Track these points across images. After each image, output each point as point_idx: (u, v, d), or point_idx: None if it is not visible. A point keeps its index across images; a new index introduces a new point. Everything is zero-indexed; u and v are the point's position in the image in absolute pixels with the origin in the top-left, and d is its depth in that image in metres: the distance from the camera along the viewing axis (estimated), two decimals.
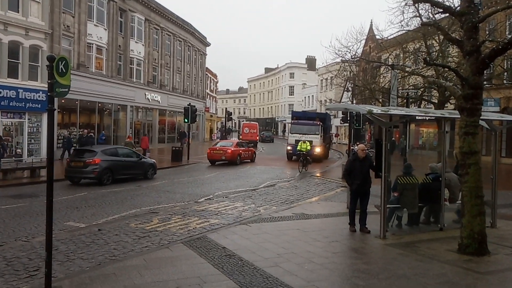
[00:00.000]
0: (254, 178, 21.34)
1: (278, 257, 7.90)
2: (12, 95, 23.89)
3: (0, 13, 23.37)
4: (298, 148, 26.51)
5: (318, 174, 23.96)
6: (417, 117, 16.14)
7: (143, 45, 38.81)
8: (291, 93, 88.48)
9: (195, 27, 53.32)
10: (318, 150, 31.00)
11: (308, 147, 26.40)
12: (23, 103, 24.59)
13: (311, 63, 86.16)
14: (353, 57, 27.00)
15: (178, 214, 12.18)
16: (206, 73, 63.65)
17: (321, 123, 33.65)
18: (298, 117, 35.94)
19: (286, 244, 8.87)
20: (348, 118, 27.27)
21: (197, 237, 9.44)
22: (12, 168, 18.56)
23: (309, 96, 77.80)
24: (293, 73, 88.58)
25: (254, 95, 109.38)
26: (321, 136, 32.44)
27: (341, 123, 44.27)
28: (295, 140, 30.42)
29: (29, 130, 25.11)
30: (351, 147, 26.96)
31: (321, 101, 61.81)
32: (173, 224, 10.85)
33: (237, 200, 14.93)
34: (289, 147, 32.08)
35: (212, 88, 72.93)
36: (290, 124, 35.65)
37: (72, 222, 11.12)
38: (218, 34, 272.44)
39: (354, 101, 35.27)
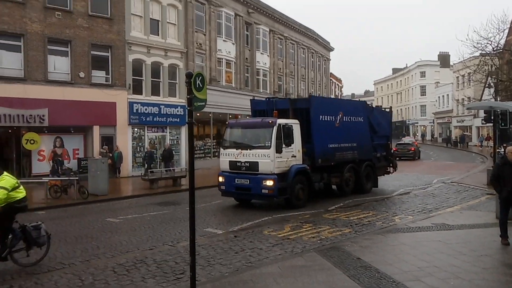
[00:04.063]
0: (386, 185, 20.39)
1: (418, 271, 7.34)
2: (156, 111, 26.53)
3: (143, 38, 26.13)
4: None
5: (458, 181, 21.97)
6: None
7: (268, 55, 39.98)
8: (423, 93, 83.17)
9: (318, 33, 53.34)
10: (269, 183, 13.85)
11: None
12: (165, 118, 27.13)
13: (444, 59, 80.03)
14: (494, 49, 24.43)
15: (309, 222, 12.12)
16: (330, 78, 63.22)
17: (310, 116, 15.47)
18: (259, 110, 16.87)
19: (426, 256, 8.20)
20: (492, 117, 24.54)
21: (329, 246, 9.27)
22: (157, 178, 20.44)
23: (443, 96, 72.25)
24: (424, 71, 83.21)
25: (382, 97, 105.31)
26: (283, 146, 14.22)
27: (482, 123, 40.09)
28: (229, 161, 14.81)
29: (170, 143, 27.49)
30: (497, 150, 24.19)
31: (458, 100, 56.95)
32: (305, 232, 10.80)
33: (369, 208, 14.38)
34: (220, 178, 15.22)
35: (337, 93, 72.15)
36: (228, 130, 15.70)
37: (210, 228, 11.76)
38: (342, 38, 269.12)
39: (498, 98, 31.71)
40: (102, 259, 8.91)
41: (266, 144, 13.99)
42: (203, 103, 6.88)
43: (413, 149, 37.87)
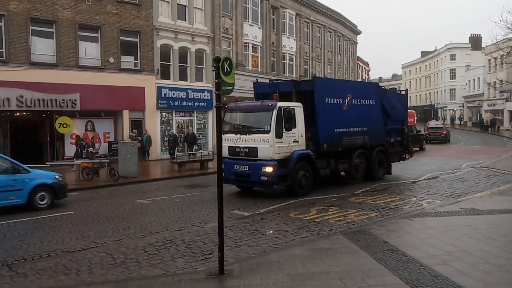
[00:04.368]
0: (413, 169, 20.16)
1: (446, 255, 7.30)
2: (183, 95, 26.85)
3: (171, 23, 26.34)
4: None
5: (488, 165, 21.52)
6: None
7: (294, 39, 39.67)
8: (453, 76, 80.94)
9: (345, 16, 52.48)
10: (269, 170, 13.24)
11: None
12: (192, 103, 27.44)
13: (476, 42, 77.49)
14: None
15: (335, 205, 12.14)
16: (358, 62, 62.25)
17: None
18: (262, 93, 16.14)
19: (455, 241, 8.13)
20: None
21: (356, 229, 9.28)
22: (185, 161, 20.80)
23: (474, 79, 70.19)
24: (454, 54, 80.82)
25: (410, 81, 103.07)
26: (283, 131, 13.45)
27: None
28: (228, 146, 13.94)
29: (197, 127, 27.83)
30: None
31: (489, 83, 55.28)
32: (331, 216, 10.83)
33: (396, 192, 14.29)
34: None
35: (364, 77, 71.07)
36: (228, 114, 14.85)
37: (237, 210, 11.97)
38: (369, 21, 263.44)
39: None
40: (133, 239, 9.21)
41: (266, 129, 13.23)
42: (231, 87, 6.99)
43: (444, 132, 38.10)
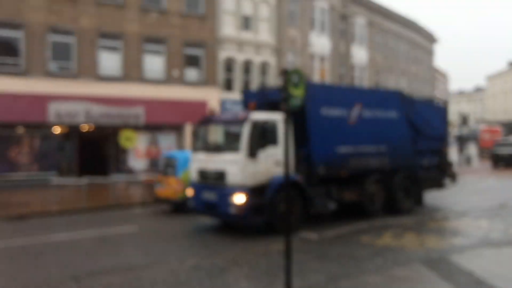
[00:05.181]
0: (500, 193, 17.84)
1: None
2: None
3: (235, 35, 26.00)
4: None
5: None
6: None
7: (365, 49, 38.00)
8: None
9: (421, 24, 49.76)
10: (238, 200, 10.39)
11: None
12: None
13: None
14: None
15: (411, 230, 10.92)
16: (434, 72, 58.74)
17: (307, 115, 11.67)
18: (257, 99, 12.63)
19: None
20: None
21: (436, 257, 8.36)
22: None
23: None
24: None
25: (495, 94, 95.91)
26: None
27: None
28: (197, 168, 11.66)
29: None
30: None
31: None
32: (407, 241, 9.72)
33: (481, 218, 12.46)
34: (188, 191, 12.29)
35: (441, 89, 66.96)
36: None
37: (303, 232, 10.82)
38: (447, 29, 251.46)
39: None
40: (196, 258, 8.76)
41: (235, 147, 10.46)
42: (299, 100, 6.80)
43: None
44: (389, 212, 13.06)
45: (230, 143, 10.87)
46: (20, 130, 20.76)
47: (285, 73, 6.62)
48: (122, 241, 10.57)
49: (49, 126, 20.93)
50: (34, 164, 20.78)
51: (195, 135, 12.03)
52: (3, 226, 12.83)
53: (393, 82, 43.44)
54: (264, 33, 27.63)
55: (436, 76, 62.08)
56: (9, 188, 19.05)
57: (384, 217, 12.51)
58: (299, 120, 10.90)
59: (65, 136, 21.88)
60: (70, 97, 20.61)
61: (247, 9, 26.78)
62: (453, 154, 26.30)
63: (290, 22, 29.38)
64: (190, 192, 11.77)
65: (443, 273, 7.34)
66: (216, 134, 11.73)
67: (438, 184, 15.42)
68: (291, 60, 29.39)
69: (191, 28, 24.17)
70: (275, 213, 10.42)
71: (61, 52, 21.14)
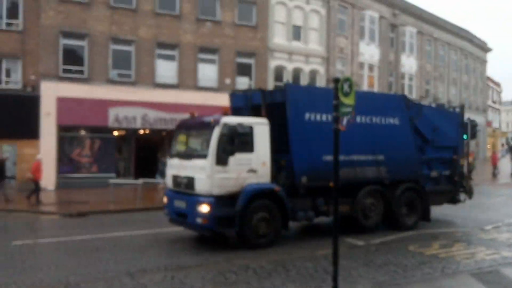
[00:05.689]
0: None
1: None
2: None
3: (285, 44, 26.53)
4: None
5: None
6: None
7: (415, 58, 37.52)
8: None
9: (473, 34, 48.45)
10: (203, 209, 9.70)
11: None
12: None
13: None
14: None
15: (461, 241, 10.83)
16: (487, 82, 56.78)
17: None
18: (237, 107, 12.18)
19: None
20: None
21: (487, 270, 8.19)
22: None
23: None
24: None
25: None
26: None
27: None
28: (171, 175, 11.07)
29: None
30: None
31: None
32: (456, 252, 9.64)
33: None
34: (164, 199, 11.48)
35: (495, 99, 64.52)
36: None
37: (350, 238, 11.03)
38: (502, 37, 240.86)
39: None
40: (244, 259, 8.98)
41: (204, 153, 9.83)
42: (350, 109, 6.76)
43: None
44: (390, 228, 12.03)
45: (201, 149, 10.36)
46: (82, 133, 22.17)
47: (336, 81, 6.49)
48: (173, 241, 10.92)
49: (109, 130, 22.22)
50: (94, 165, 22.08)
51: (174, 139, 11.57)
52: (65, 222, 13.75)
53: (443, 91, 42.55)
54: (314, 42, 28.03)
55: (489, 85, 59.93)
56: (71, 187, 20.40)
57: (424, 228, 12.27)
58: (282, 125, 10.47)
59: (122, 139, 23.15)
60: (128, 103, 21.83)
61: (298, 19, 27.28)
62: (506, 164, 25.49)
63: (339, 31, 29.62)
64: (164, 200, 11.26)
65: (493, 286, 7.22)
66: (188, 139, 11.14)
67: (450, 198, 13.81)
68: (339, 69, 29.59)
69: (243, 38, 24.94)
70: (246, 223, 9.75)
71: (121, 61, 22.44)
